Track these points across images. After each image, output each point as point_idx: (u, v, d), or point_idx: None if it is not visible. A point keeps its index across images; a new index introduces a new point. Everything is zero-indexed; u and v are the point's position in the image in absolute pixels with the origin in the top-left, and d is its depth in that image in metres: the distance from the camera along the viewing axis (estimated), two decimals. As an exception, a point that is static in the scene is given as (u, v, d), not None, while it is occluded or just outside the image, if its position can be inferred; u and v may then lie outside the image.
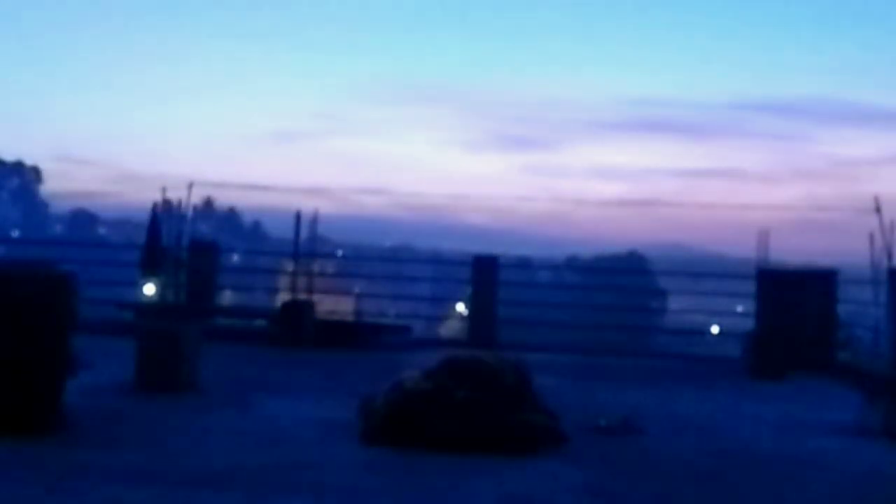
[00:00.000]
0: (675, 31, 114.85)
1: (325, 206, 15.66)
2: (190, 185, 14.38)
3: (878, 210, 12.47)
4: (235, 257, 30.69)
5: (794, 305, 13.87)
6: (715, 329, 20.42)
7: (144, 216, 14.33)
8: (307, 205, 15.90)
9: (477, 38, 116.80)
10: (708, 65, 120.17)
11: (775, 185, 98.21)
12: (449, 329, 25.71)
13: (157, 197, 14.01)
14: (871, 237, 12.37)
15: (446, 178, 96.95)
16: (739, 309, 16.84)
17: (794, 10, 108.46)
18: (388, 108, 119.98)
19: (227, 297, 18.74)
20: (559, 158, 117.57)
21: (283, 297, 15.53)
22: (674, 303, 26.87)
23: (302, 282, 15.08)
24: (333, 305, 18.36)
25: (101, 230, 56.38)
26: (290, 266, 15.60)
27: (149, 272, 13.70)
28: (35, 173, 66.84)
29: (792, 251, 17.22)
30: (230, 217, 64.48)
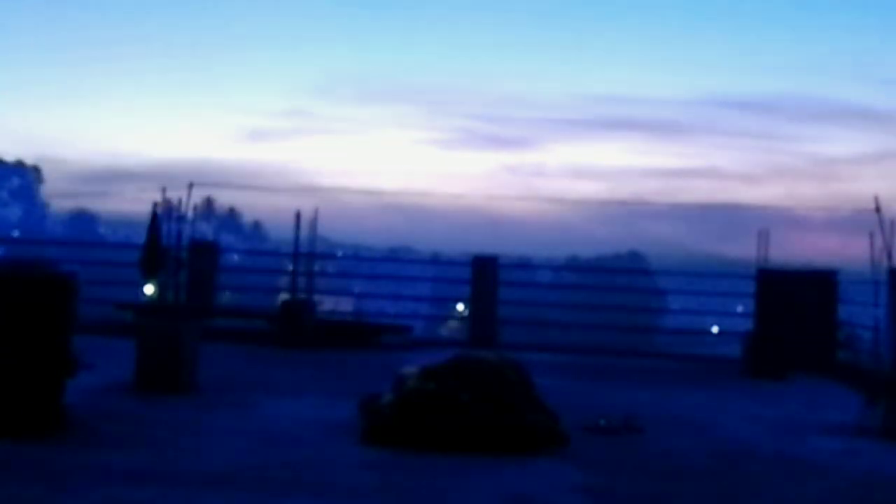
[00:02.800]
0: (637, 26, 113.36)
1: (311, 205, 15.58)
2: (190, 185, 14.37)
3: (877, 210, 12.47)
4: (235, 257, 30.70)
5: (794, 305, 13.87)
6: (715, 329, 20.42)
7: (144, 216, 14.32)
8: (294, 203, 15.87)
9: (435, 35, 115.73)
10: (673, 62, 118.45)
11: (756, 184, 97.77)
12: (449, 329, 25.72)
13: (157, 197, 14.01)
14: (871, 237, 12.37)
15: (425, 177, 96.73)
16: (739, 309, 16.84)
17: (763, 5, 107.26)
18: (356, 106, 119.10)
19: (227, 297, 18.74)
20: (534, 157, 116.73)
21: (282, 297, 15.54)
22: (674, 303, 26.89)
23: (302, 282, 15.09)
24: (333, 305, 18.37)
25: (101, 230, 56.40)
26: (290, 266, 15.61)
27: (149, 274, 13.68)
28: (35, 173, 66.89)
29: (792, 251, 17.23)
30: (230, 217, 64.52)
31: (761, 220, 15.37)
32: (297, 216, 15.18)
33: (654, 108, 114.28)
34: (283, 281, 16.75)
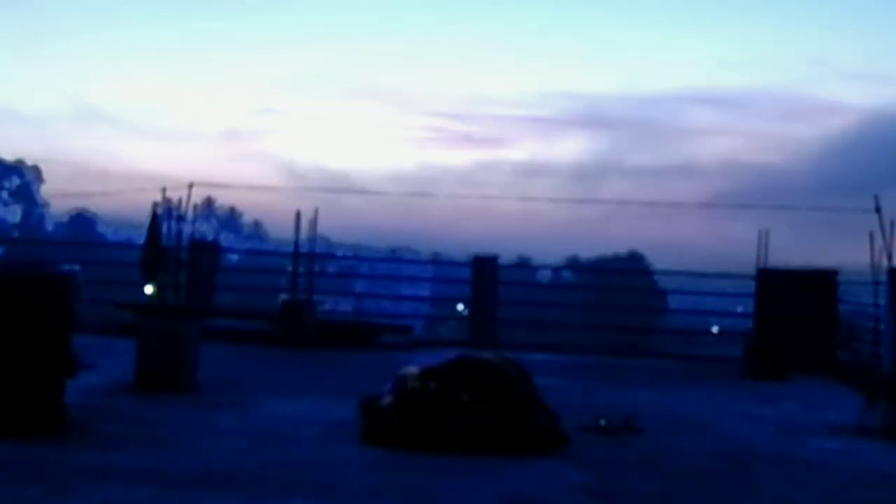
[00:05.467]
0: (597, 22, 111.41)
1: (301, 206, 15.55)
2: (190, 186, 14.42)
3: (878, 210, 12.48)
4: (235, 257, 30.72)
5: (794, 305, 13.87)
6: (715, 329, 20.43)
7: (143, 216, 14.35)
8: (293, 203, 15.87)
9: (399, 32, 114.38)
10: (640, 57, 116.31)
11: (736, 182, 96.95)
12: (449, 329, 25.74)
13: (157, 197, 14.03)
14: (871, 237, 12.38)
15: (405, 176, 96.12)
16: (739, 309, 16.85)
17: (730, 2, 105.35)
18: (323, 105, 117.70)
19: (227, 297, 18.75)
20: (509, 155, 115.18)
21: (283, 297, 15.55)
22: (674, 303, 26.89)
23: (302, 282, 15.08)
24: (333, 305, 18.37)
25: (101, 230, 56.41)
26: (289, 266, 15.61)
27: (149, 275, 13.69)
28: (36, 172, 66.87)
29: (792, 251, 17.23)
30: (230, 217, 64.55)
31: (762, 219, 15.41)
32: (297, 216, 15.18)
33: (623, 105, 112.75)
34: (283, 281, 16.76)
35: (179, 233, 14.10)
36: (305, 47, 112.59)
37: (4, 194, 65.19)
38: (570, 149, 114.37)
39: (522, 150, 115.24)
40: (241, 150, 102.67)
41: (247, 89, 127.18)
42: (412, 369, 7.40)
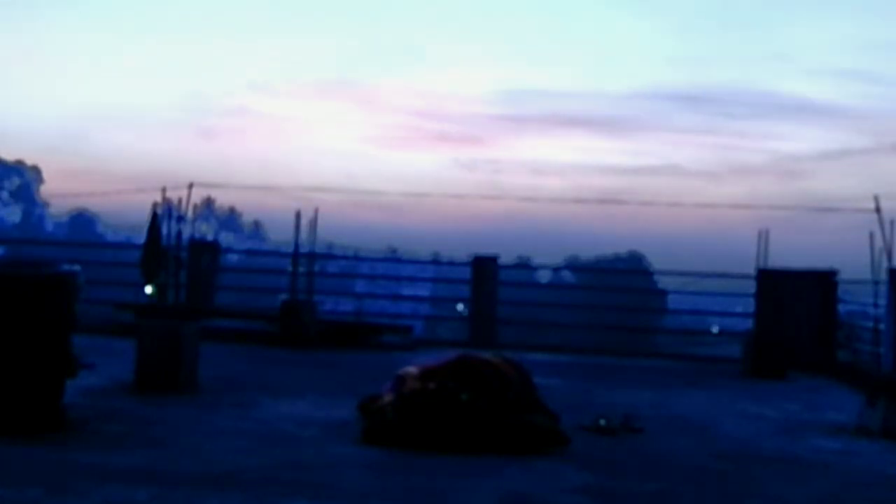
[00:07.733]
0: (565, 18, 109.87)
1: (278, 204, 15.64)
2: (190, 186, 14.40)
3: (877, 210, 12.47)
4: (235, 257, 30.71)
5: (794, 305, 13.88)
6: (715, 329, 20.44)
7: (144, 216, 14.34)
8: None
9: (362, 34, 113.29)
10: (613, 54, 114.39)
11: (718, 182, 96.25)
12: (449, 329, 25.73)
13: (157, 197, 14.02)
14: (871, 237, 12.37)
15: (387, 175, 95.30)
16: (739, 309, 16.86)
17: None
18: (294, 103, 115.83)
19: (227, 297, 18.75)
20: (485, 154, 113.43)
21: (283, 297, 15.55)
22: (674, 303, 26.88)
23: (302, 282, 15.08)
24: (333, 305, 18.38)
25: (101, 230, 56.39)
26: (289, 266, 15.61)
27: (149, 275, 13.68)
28: (35, 172, 66.88)
29: (792, 251, 17.23)
30: (230, 217, 64.60)
31: (760, 219, 15.43)
32: (297, 216, 15.19)
33: (598, 102, 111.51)
34: (283, 281, 16.77)
35: (179, 233, 14.08)
36: (279, 43, 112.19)
37: (4, 194, 65.22)
38: (551, 148, 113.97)
39: (502, 149, 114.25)
40: (219, 148, 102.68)
41: (220, 87, 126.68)
42: (412, 369, 7.40)
